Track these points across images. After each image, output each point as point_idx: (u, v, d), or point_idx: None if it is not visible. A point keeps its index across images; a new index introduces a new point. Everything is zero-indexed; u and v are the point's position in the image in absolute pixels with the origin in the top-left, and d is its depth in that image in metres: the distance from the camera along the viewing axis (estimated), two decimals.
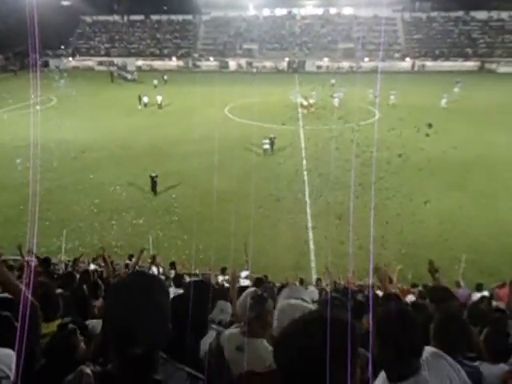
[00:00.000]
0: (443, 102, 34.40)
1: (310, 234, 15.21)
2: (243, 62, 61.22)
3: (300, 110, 32.83)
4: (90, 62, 64.71)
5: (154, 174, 19.04)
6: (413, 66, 59.71)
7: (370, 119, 28.70)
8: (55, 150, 21.30)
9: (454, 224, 15.31)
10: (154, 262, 10.83)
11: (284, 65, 61.10)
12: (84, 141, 26.35)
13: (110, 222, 16.38)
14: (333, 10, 69.33)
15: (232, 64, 61.95)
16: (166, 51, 66.73)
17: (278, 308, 2.65)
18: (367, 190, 14.20)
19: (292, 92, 36.22)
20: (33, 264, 6.76)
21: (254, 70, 53.96)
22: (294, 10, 70.48)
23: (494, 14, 66.29)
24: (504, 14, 65.59)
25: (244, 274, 10.33)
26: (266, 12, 70.26)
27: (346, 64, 58.86)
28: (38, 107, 22.12)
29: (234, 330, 2.90)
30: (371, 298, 5.01)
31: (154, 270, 10.36)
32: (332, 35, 65.50)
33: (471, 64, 59.18)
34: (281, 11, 70.49)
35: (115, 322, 1.44)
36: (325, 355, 1.19)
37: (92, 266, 10.72)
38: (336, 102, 33.39)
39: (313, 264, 13.44)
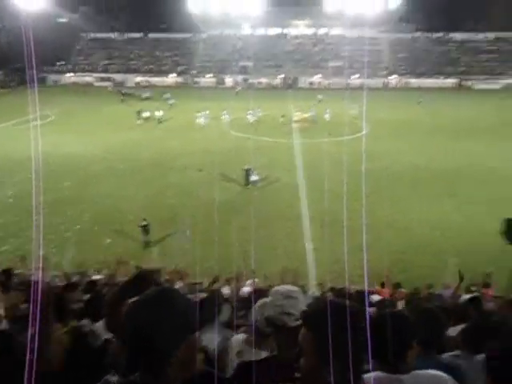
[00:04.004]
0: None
1: (308, 241, 15.46)
2: (239, 78, 61.74)
3: (295, 124, 33.27)
4: (90, 77, 64.29)
5: (143, 223, 15.27)
6: (398, 83, 60.69)
7: (357, 133, 29.21)
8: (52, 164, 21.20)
9: (443, 230, 15.70)
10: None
11: (278, 81, 61.72)
12: (82, 154, 26.17)
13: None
14: (322, 31, 70.54)
15: (228, 80, 62.42)
16: (164, 68, 67.07)
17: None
18: (360, 200, 14.52)
19: (251, 111, 34.14)
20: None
21: (238, 88, 53.60)
22: (286, 31, 71.54)
23: (471, 36, 68.14)
24: (479, 36, 67.56)
25: (247, 283, 10.32)
26: (260, 31, 71.16)
27: (336, 81, 59.67)
28: (35, 123, 21.95)
29: (239, 336, 3.03)
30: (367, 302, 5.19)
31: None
32: (322, 54, 66.48)
33: (449, 81, 60.34)
34: (273, 31, 71.49)
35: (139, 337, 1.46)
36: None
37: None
38: (327, 117, 33.97)
39: (312, 271, 13.61)
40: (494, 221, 10.84)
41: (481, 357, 2.81)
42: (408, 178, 21.36)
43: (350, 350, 1.51)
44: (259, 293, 7.04)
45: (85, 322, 3.86)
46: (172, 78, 63.52)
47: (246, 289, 9.64)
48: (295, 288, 2.41)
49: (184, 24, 70.12)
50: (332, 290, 10.24)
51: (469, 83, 59.12)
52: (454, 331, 3.85)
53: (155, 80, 62.95)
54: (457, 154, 25.19)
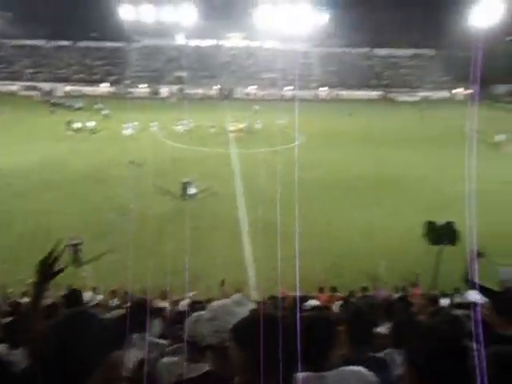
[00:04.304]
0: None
1: (248, 250, 15.46)
2: (175, 88, 61.02)
3: (231, 134, 33.43)
4: (14, 86, 60.13)
5: (74, 242, 13.77)
6: (329, 94, 63.37)
7: (291, 143, 29.97)
8: None
9: (374, 236, 16.44)
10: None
11: (214, 92, 61.84)
12: (8, 167, 24.43)
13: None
14: (256, 44, 72.04)
15: (163, 91, 61.45)
16: (95, 77, 64.54)
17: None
18: (294, 208, 14.85)
19: (183, 122, 34.15)
20: None
21: (173, 99, 53.05)
22: (221, 42, 72.17)
23: (392, 51, 73.37)
24: (400, 52, 73.00)
25: (185, 296, 10.05)
26: (194, 42, 71.10)
27: (271, 92, 61.01)
28: None
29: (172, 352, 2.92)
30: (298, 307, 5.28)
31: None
32: (257, 66, 67.77)
33: (375, 93, 64.18)
34: (207, 42, 71.80)
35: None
36: None
37: None
38: (259, 126, 34.50)
39: (253, 280, 13.61)
40: (420, 226, 11.57)
41: (404, 352, 2.94)
42: (341, 186, 22.17)
43: (280, 361, 1.51)
44: (197, 306, 6.90)
45: (1, 347, 3.51)
46: (104, 88, 61.30)
47: (185, 302, 9.41)
48: (236, 299, 2.33)
49: (116, 33, 68.05)
50: (270, 298, 10.30)
51: (393, 95, 63.27)
52: (384, 329, 4.07)
53: (86, 89, 60.39)
54: (386, 163, 26.56)
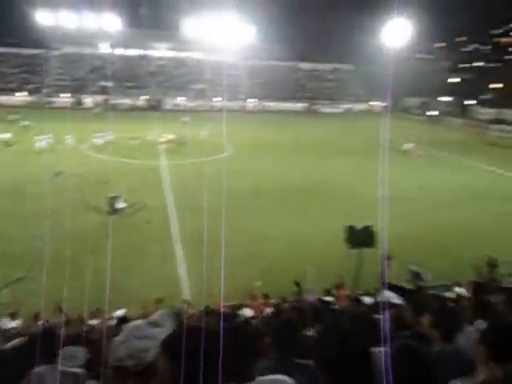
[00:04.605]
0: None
1: (181, 263, 15.25)
2: (99, 99, 58.57)
3: (160, 146, 32.82)
4: None
5: None
6: (257, 106, 64.72)
7: (221, 154, 30.17)
8: None
9: (302, 240, 17.02)
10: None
11: (142, 103, 60.34)
12: None
13: None
14: (184, 54, 71.67)
15: (87, 101, 58.72)
16: (11, 85, 60.01)
17: None
18: (228, 218, 14.96)
19: (101, 133, 33.14)
20: None
21: (97, 109, 50.85)
22: (147, 52, 70.78)
23: (315, 66, 77.08)
24: (322, 66, 76.90)
25: (119, 312, 9.72)
26: (119, 51, 69.01)
27: (200, 103, 60.91)
28: None
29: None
30: (222, 318, 5.32)
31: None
32: (186, 76, 67.37)
33: (301, 105, 66.79)
34: (134, 51, 70.03)
35: None
36: None
37: None
38: (189, 137, 34.17)
39: (186, 293, 13.41)
40: (343, 231, 12.21)
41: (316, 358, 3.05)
42: (270, 196, 22.70)
43: (205, 373, 1.54)
44: (122, 326, 6.63)
45: None
46: (21, 97, 57.11)
47: (112, 322, 9.07)
48: (153, 319, 2.23)
49: (34, 39, 63.92)
50: (203, 311, 10.26)
51: (317, 107, 66.26)
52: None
53: (2, 99, 55.82)
54: (312, 172, 27.67)
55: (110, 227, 17.12)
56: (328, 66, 77.27)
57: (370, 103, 68.33)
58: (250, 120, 48.56)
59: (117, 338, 2.23)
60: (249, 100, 65.40)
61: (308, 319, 5.34)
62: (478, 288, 3.78)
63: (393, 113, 59.17)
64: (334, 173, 27.40)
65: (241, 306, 10.10)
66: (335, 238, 17.40)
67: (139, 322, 2.26)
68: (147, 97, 60.98)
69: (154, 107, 58.91)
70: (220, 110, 57.01)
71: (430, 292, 9.54)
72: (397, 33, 60.76)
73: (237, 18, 68.66)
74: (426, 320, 3.21)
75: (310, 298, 10.60)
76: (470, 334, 2.91)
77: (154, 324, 2.16)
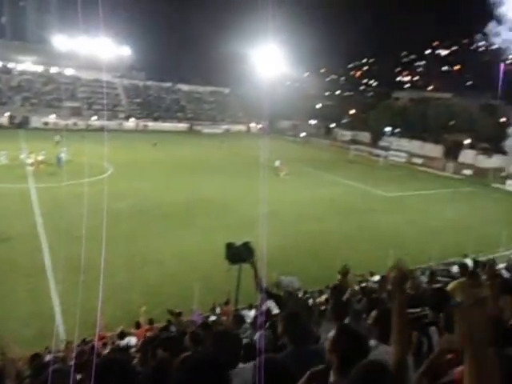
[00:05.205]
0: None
1: (54, 296, 13.84)
2: None
3: (28, 168, 29.60)
4: None
5: None
6: (137, 125, 62.75)
7: (100, 174, 28.55)
8: None
9: (187, 259, 16.92)
10: None
11: (4, 120, 53.75)
12: None
13: None
14: (54, 69, 66.24)
15: None
16: None
17: None
18: (110, 241, 14.18)
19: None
20: None
21: None
22: (10, 65, 63.68)
23: (195, 87, 78.31)
24: (201, 88, 78.51)
25: None
26: None
27: (74, 121, 56.75)
28: None
29: None
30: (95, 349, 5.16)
31: None
32: (56, 93, 62.07)
33: (182, 125, 66.86)
34: None
35: None
36: None
37: None
38: (63, 158, 31.56)
39: (61, 328, 12.17)
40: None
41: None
42: (155, 213, 22.16)
43: None
44: None
45: None
46: None
47: None
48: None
49: None
50: (81, 343, 9.49)
51: (198, 128, 67.00)
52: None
53: None
54: (194, 190, 27.76)
55: None
56: (207, 89, 79.07)
57: (249, 125, 71.76)
58: (130, 139, 46.89)
59: None
60: (131, 119, 63.15)
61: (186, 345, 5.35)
62: (336, 291, 4.24)
63: (269, 134, 62.92)
64: (215, 190, 27.86)
65: (125, 335, 9.60)
66: (220, 253, 17.76)
67: None
68: (9, 113, 54.50)
69: (19, 124, 52.97)
70: (97, 129, 53.94)
71: (305, 297, 10.35)
72: (270, 61, 65.42)
73: (112, 36, 66.31)
74: (279, 328, 3.29)
75: (196, 317, 10.57)
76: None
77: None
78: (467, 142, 45.37)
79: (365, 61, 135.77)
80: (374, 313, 3.37)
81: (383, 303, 4.60)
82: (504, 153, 38.49)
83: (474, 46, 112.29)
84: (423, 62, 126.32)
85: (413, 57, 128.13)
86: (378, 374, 1.81)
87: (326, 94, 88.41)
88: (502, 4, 51.18)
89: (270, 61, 65.56)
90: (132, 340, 8.76)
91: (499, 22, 57.99)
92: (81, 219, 15.93)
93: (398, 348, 2.08)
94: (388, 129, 54.66)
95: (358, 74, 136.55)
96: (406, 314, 2.22)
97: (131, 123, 62.46)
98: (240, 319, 6.67)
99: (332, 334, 2.40)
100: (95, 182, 25.31)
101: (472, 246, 16.09)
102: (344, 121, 66.78)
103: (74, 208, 18.81)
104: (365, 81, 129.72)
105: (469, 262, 11.94)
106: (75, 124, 56.12)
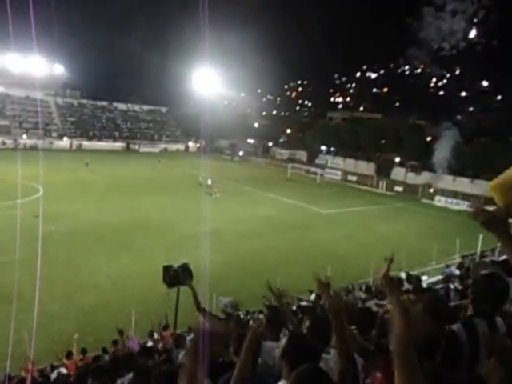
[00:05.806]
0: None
1: None
2: None
3: None
4: None
5: None
6: (70, 144, 59.79)
7: (34, 195, 26.72)
8: None
9: (124, 283, 16.18)
10: None
11: None
12: None
13: None
14: None
15: None
16: None
17: None
18: (36, 264, 13.18)
19: None
20: None
21: None
22: None
23: (131, 106, 76.67)
24: (138, 107, 77.04)
25: None
26: None
27: (2, 140, 53.07)
28: None
29: None
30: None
31: None
32: None
33: (119, 144, 64.79)
34: None
35: None
36: None
37: None
38: None
39: None
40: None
41: None
42: (90, 235, 21.10)
43: None
44: None
45: None
46: None
47: None
48: None
49: None
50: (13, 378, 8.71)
51: (135, 147, 65.26)
52: None
53: None
54: (131, 209, 26.85)
55: None
56: (144, 107, 77.65)
57: (187, 144, 71.28)
58: (62, 159, 44.42)
59: None
60: (62, 139, 60.03)
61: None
62: (273, 312, 4.28)
63: (208, 153, 62.87)
64: (153, 210, 27.16)
65: (56, 367, 8.93)
66: (157, 276, 17.16)
67: None
68: None
69: None
70: (28, 148, 50.68)
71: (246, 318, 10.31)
72: (207, 81, 65.94)
73: (46, 54, 63.19)
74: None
75: (132, 344, 10.08)
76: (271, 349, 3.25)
77: None
78: (397, 159, 48.05)
79: (299, 82, 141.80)
80: (307, 322, 3.45)
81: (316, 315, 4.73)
82: (432, 170, 40.80)
83: (400, 70, 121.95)
84: (354, 84, 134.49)
85: (344, 79, 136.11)
86: (314, 379, 1.85)
87: (263, 113, 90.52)
88: (421, 29, 56.07)
89: (208, 81, 66.14)
90: (63, 372, 8.19)
91: (420, 46, 63.55)
92: (8, 243, 14.82)
93: (340, 358, 2.16)
94: (324, 147, 56.66)
95: (294, 94, 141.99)
96: (344, 325, 2.31)
97: (64, 142, 59.43)
98: (183, 339, 6.55)
99: (283, 341, 2.46)
100: (25, 203, 23.58)
101: (405, 261, 16.52)
102: (281, 140, 68.49)
103: (0, 232, 17.41)
104: (300, 101, 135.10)
105: (403, 275, 12.48)
106: (3, 143, 52.38)
